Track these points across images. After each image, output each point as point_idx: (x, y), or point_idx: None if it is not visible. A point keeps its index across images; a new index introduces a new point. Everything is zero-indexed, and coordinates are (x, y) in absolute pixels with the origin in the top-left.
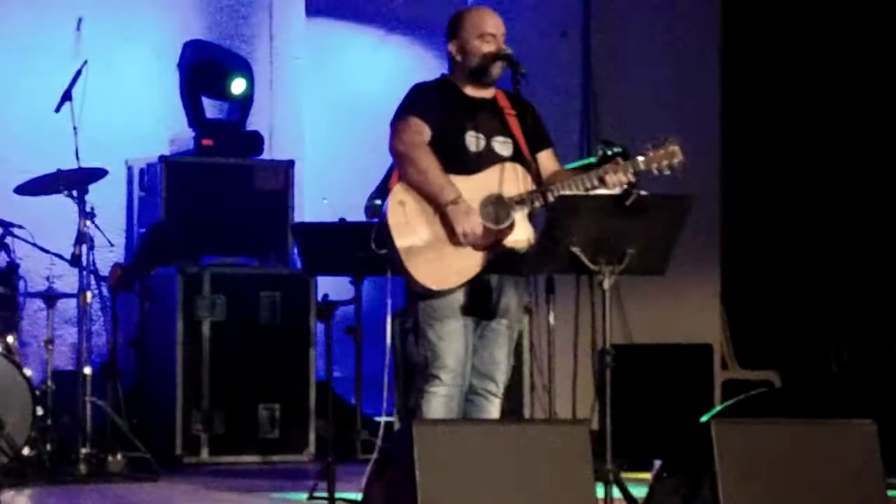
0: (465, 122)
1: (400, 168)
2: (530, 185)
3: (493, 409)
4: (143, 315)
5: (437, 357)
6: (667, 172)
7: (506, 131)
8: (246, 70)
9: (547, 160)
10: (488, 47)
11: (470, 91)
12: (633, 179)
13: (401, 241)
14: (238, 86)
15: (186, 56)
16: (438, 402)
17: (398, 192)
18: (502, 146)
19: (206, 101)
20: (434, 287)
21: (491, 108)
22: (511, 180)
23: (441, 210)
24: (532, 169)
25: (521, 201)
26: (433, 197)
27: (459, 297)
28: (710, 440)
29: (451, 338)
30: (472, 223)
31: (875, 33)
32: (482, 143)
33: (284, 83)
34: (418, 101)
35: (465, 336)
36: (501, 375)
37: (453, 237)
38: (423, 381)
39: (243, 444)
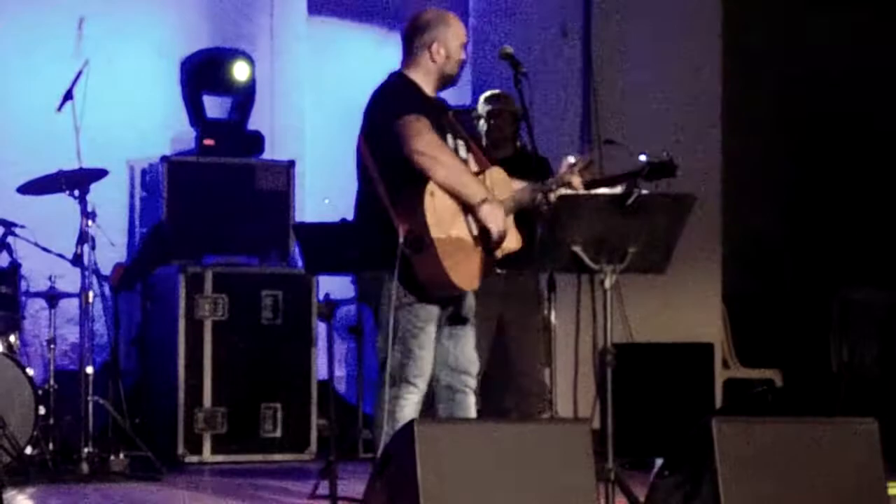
0: (439, 124)
1: (425, 169)
2: (512, 189)
3: (472, 402)
4: (145, 314)
5: (416, 364)
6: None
7: (459, 133)
8: (247, 57)
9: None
10: (463, 55)
11: (429, 92)
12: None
13: (438, 243)
14: (241, 70)
15: (185, 65)
16: (412, 409)
17: (430, 193)
18: (462, 148)
19: (208, 102)
20: (466, 288)
21: (443, 110)
22: (500, 184)
23: (472, 208)
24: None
25: (511, 205)
26: (465, 196)
27: (437, 305)
28: (710, 439)
29: (429, 346)
30: (504, 220)
31: (878, 31)
32: (453, 144)
33: (286, 82)
34: (411, 100)
35: (435, 341)
36: (476, 369)
37: (475, 237)
38: (396, 388)
39: (245, 443)
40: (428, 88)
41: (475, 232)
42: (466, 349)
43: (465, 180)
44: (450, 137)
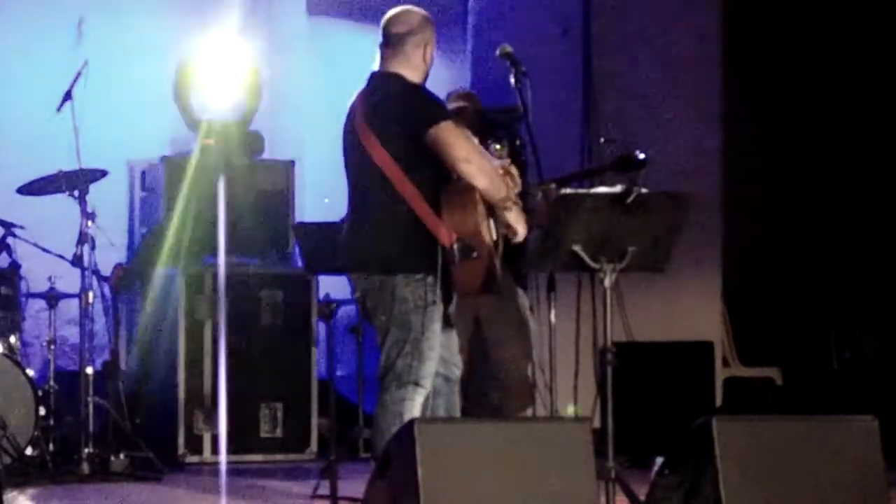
0: None
1: (469, 176)
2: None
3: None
4: (145, 315)
5: (425, 366)
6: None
7: None
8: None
9: None
10: None
11: None
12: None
13: (486, 250)
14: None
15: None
16: (419, 409)
17: (480, 202)
18: None
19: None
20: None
21: None
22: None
23: (496, 211)
24: None
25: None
26: (499, 200)
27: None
28: (711, 437)
29: (437, 347)
30: (523, 223)
31: (878, 31)
32: None
33: (285, 82)
34: (441, 103)
35: None
36: (459, 359)
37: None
38: (404, 390)
39: (245, 443)
40: None
41: (495, 235)
42: (454, 339)
43: (501, 186)
44: None
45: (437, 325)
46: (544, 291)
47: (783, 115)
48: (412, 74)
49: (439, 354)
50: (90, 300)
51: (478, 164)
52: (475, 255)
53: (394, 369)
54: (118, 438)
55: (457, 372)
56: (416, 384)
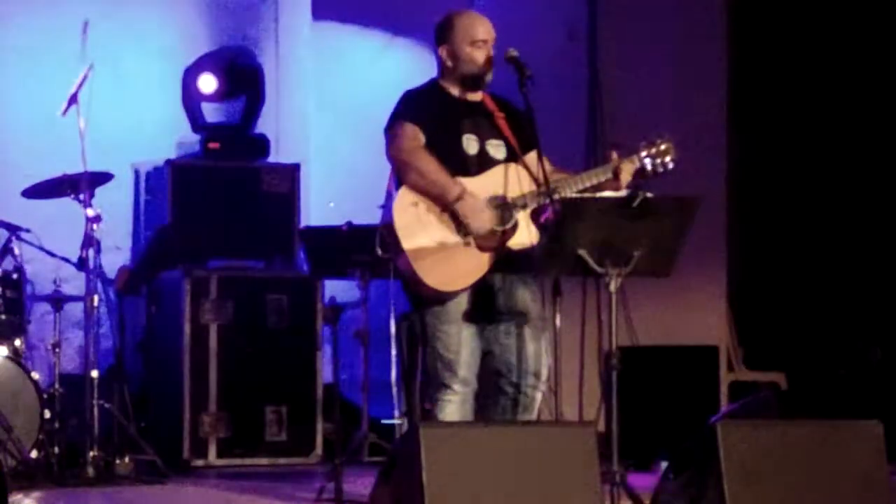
0: (459, 126)
1: (401, 174)
2: (531, 186)
3: (530, 405)
4: (150, 318)
5: (447, 366)
6: (660, 170)
7: (498, 134)
8: (213, 70)
9: (531, 162)
10: (481, 54)
11: (461, 95)
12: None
13: (408, 244)
14: (206, 83)
15: (186, 72)
16: (452, 409)
17: (404, 196)
18: (496, 149)
19: (215, 106)
20: (443, 289)
21: (482, 111)
22: (514, 181)
23: (449, 209)
24: (532, 169)
25: (523, 202)
26: (438, 197)
27: (463, 302)
28: (716, 441)
29: (459, 345)
30: (482, 217)
31: (883, 32)
32: (477, 145)
33: (290, 86)
34: (410, 106)
35: (472, 341)
36: (544, 368)
37: (459, 239)
38: (434, 390)
39: (251, 446)
40: (458, 91)
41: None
42: (534, 347)
43: (435, 181)
44: (465, 137)
45: (454, 327)
46: (549, 295)
47: (790, 118)
48: (445, 78)
49: (505, 356)
50: (95, 303)
51: (405, 161)
52: (398, 253)
53: (426, 367)
54: (123, 442)
55: (508, 390)
56: (443, 385)
